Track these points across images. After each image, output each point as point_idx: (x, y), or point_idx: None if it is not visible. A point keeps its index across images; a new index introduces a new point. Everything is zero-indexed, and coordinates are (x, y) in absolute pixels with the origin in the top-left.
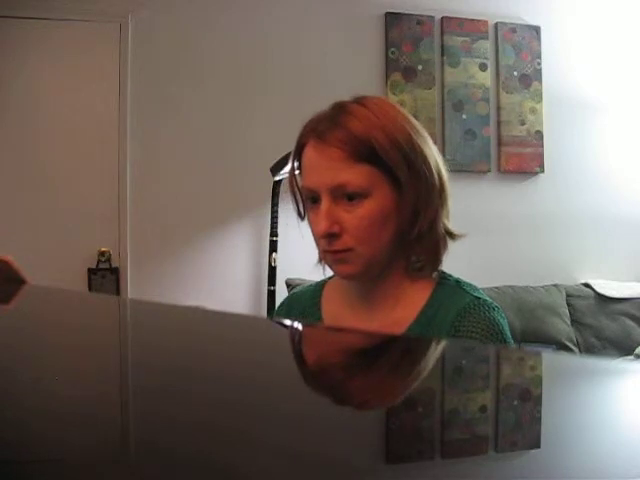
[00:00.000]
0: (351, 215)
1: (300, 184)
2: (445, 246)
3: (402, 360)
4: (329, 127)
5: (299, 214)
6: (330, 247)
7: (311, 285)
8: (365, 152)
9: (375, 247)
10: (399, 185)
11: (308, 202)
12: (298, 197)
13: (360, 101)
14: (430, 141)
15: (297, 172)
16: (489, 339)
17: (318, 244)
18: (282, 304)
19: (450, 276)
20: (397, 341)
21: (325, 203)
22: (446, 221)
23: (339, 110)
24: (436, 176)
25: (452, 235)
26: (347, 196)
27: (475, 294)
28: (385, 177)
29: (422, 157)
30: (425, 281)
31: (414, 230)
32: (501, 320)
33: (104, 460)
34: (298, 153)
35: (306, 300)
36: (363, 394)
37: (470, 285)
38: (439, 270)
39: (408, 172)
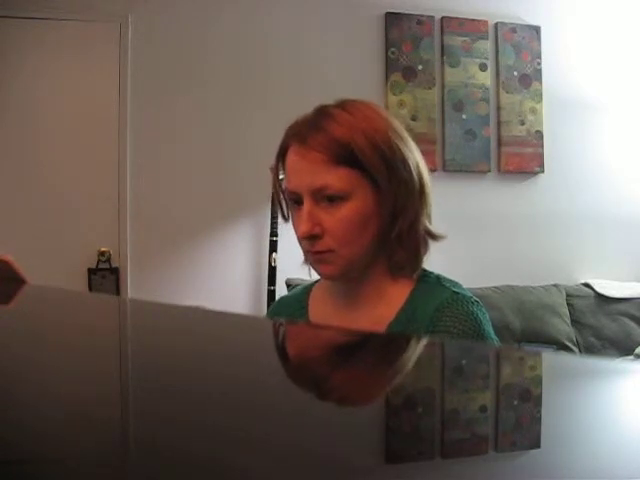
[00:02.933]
0: (332, 217)
1: (284, 187)
2: (426, 247)
3: (402, 360)
4: (311, 131)
5: (283, 216)
6: (311, 248)
7: (299, 288)
8: (345, 155)
9: (355, 248)
10: (378, 187)
11: (291, 204)
12: (282, 199)
13: (343, 105)
14: (412, 144)
15: (281, 176)
16: (467, 333)
17: (301, 245)
18: (271, 308)
19: (431, 273)
20: (397, 341)
21: (307, 205)
22: (427, 222)
23: (321, 114)
24: (416, 178)
25: (433, 236)
26: (328, 198)
27: (454, 289)
28: (365, 180)
29: (402, 160)
30: (406, 280)
31: (394, 231)
32: (480, 314)
33: (104, 460)
34: (281, 156)
35: (294, 303)
36: (364, 394)
37: (450, 281)
38: (421, 268)
39: (387, 175)
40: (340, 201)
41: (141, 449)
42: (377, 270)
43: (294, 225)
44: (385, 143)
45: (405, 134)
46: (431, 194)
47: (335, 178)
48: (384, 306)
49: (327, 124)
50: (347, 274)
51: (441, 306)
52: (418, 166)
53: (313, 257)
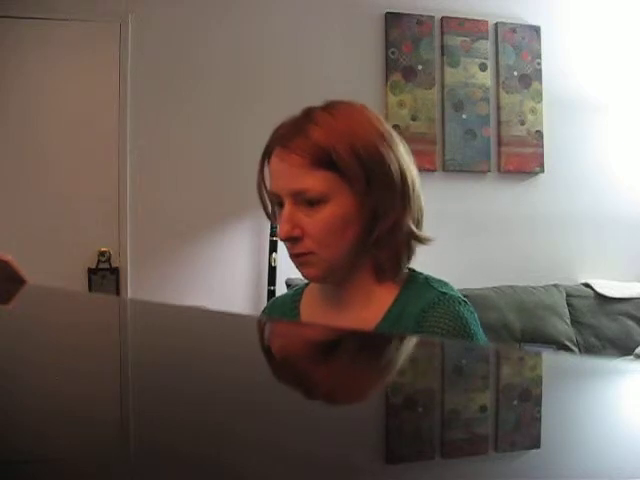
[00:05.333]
0: (312, 219)
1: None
2: (409, 250)
3: (402, 361)
4: (293, 134)
5: (269, 217)
6: (292, 250)
7: (291, 290)
8: (324, 159)
9: (336, 250)
10: (357, 191)
11: (276, 206)
12: (267, 201)
13: (327, 108)
14: (398, 146)
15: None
16: (453, 333)
17: (286, 247)
18: (264, 310)
19: (420, 274)
20: (397, 341)
21: (287, 208)
22: (412, 225)
23: (305, 118)
24: (397, 181)
25: (419, 239)
26: (308, 201)
27: (442, 289)
28: (344, 183)
29: (381, 163)
30: (393, 282)
31: (374, 234)
32: (467, 314)
33: (104, 460)
34: (267, 158)
35: (287, 304)
36: (364, 394)
37: (439, 281)
38: (409, 269)
39: (364, 178)
40: (319, 204)
41: (141, 449)
42: (363, 272)
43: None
44: (364, 147)
45: (391, 136)
46: (418, 196)
47: (314, 181)
48: (371, 308)
49: (308, 127)
50: (329, 276)
51: (427, 306)
52: (401, 169)
53: (295, 259)
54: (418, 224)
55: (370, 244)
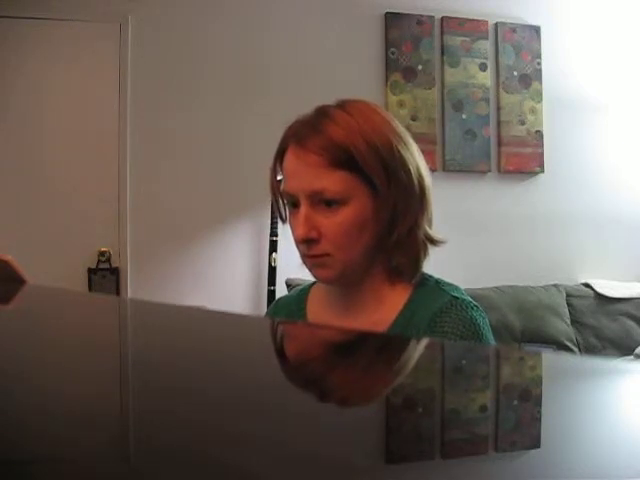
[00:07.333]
0: (329, 221)
1: (281, 188)
2: (425, 252)
3: (402, 361)
4: (309, 133)
5: (281, 217)
6: (308, 252)
7: (297, 290)
8: (344, 159)
9: (353, 252)
10: (377, 191)
11: (289, 206)
12: (279, 200)
13: (343, 106)
14: (413, 146)
15: (279, 177)
16: (466, 338)
17: (298, 248)
18: (269, 310)
19: (430, 277)
20: (398, 342)
21: (303, 208)
22: (427, 227)
23: (321, 115)
24: (416, 182)
25: (433, 241)
26: (325, 202)
27: (454, 294)
28: (363, 183)
29: (401, 164)
30: (405, 284)
31: (392, 236)
32: (479, 319)
33: (104, 460)
34: (280, 157)
35: (292, 305)
36: (364, 394)
37: (450, 285)
38: (420, 272)
39: (386, 179)
40: (337, 205)
41: (141, 449)
42: (375, 274)
43: (291, 227)
44: (385, 147)
45: (407, 136)
46: (432, 198)
47: (333, 182)
48: (383, 311)
49: (326, 126)
50: (344, 278)
51: (440, 311)
52: (419, 170)
53: (310, 261)
54: (430, 225)
55: (389, 246)
